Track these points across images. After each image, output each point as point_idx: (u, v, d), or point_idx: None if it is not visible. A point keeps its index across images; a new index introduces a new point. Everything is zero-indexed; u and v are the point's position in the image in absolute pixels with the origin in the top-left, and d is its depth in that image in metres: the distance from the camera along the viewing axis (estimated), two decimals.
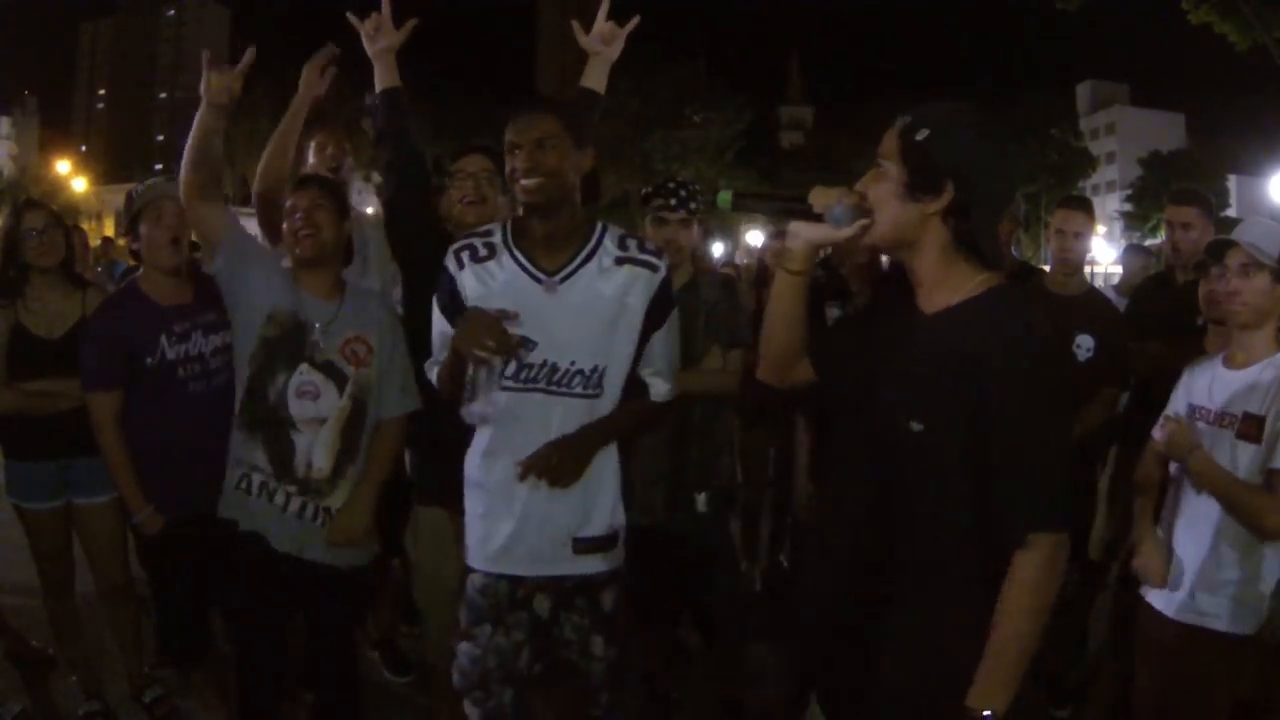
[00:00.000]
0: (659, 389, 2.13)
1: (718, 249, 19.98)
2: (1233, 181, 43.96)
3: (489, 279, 2.03)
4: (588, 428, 2.02)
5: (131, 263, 3.61)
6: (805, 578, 1.84)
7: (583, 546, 2.05)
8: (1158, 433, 2.32)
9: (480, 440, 2.08)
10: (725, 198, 1.75)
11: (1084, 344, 3.18)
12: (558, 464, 1.98)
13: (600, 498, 2.08)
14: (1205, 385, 2.33)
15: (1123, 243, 39.59)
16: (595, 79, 2.71)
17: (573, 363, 1.99)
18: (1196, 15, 15.49)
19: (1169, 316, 3.21)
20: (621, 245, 2.06)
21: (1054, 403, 1.49)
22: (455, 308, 2.05)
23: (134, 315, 2.73)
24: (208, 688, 2.95)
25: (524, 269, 2.02)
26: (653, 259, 2.07)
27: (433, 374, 2.15)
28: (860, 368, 1.64)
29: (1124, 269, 6.80)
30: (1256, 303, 2.22)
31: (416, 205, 2.64)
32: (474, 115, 34.35)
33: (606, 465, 2.09)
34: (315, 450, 2.41)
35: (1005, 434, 1.44)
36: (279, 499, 2.41)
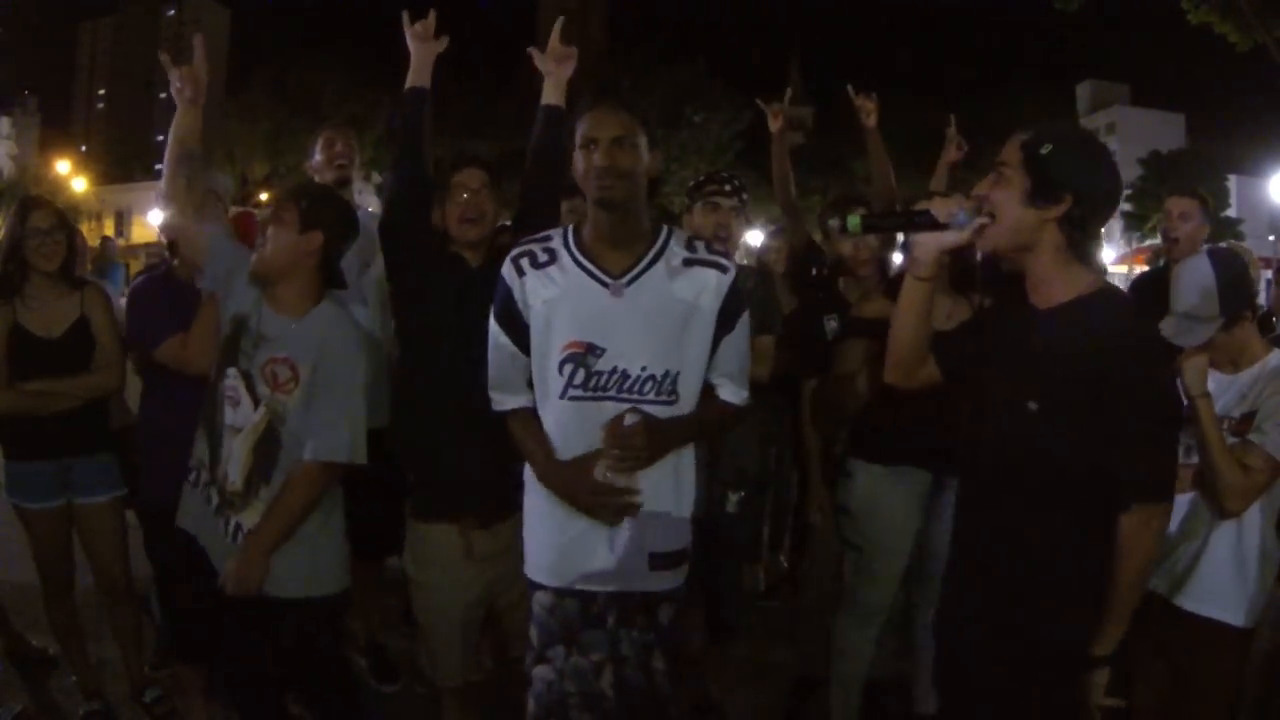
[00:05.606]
0: (729, 392, 2.07)
1: None
2: (1233, 181, 43.87)
3: (553, 284, 1.98)
4: (671, 419, 1.96)
5: (130, 261, 3.62)
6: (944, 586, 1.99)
7: (659, 562, 2.00)
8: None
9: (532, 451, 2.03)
10: (855, 220, 1.93)
11: None
12: (640, 440, 1.90)
13: (680, 511, 2.03)
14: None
15: (1122, 243, 39.59)
16: (555, 96, 2.63)
17: (644, 368, 1.93)
18: (1196, 15, 15.45)
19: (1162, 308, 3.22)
20: (689, 247, 2.02)
21: (1164, 388, 1.72)
22: (511, 319, 2.01)
23: (171, 296, 2.77)
24: (193, 686, 2.93)
25: (588, 272, 1.97)
26: (722, 260, 2.02)
27: (498, 402, 2.09)
28: (982, 361, 1.82)
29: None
30: (1235, 350, 2.35)
31: (415, 208, 2.56)
32: (475, 113, 34.32)
33: (687, 478, 2.04)
34: (231, 459, 2.34)
35: (1123, 418, 1.63)
36: (213, 500, 2.37)
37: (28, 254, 2.93)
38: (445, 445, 2.45)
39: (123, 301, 3.27)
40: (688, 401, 1.99)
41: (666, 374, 1.94)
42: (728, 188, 2.92)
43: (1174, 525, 2.35)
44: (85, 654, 3.20)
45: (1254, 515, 2.24)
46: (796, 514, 4.40)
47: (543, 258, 2.00)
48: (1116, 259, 32.75)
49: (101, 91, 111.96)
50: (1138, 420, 1.64)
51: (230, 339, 2.38)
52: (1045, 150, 1.68)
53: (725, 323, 2.00)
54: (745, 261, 4.58)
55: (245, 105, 42.48)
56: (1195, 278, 2.27)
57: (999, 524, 1.76)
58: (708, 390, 2.05)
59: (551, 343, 1.97)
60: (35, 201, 3.08)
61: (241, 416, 2.33)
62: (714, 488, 2.84)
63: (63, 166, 44.20)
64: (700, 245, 2.04)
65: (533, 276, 1.99)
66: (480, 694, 2.71)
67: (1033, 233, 1.72)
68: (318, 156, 3.34)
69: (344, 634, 2.97)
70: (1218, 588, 2.25)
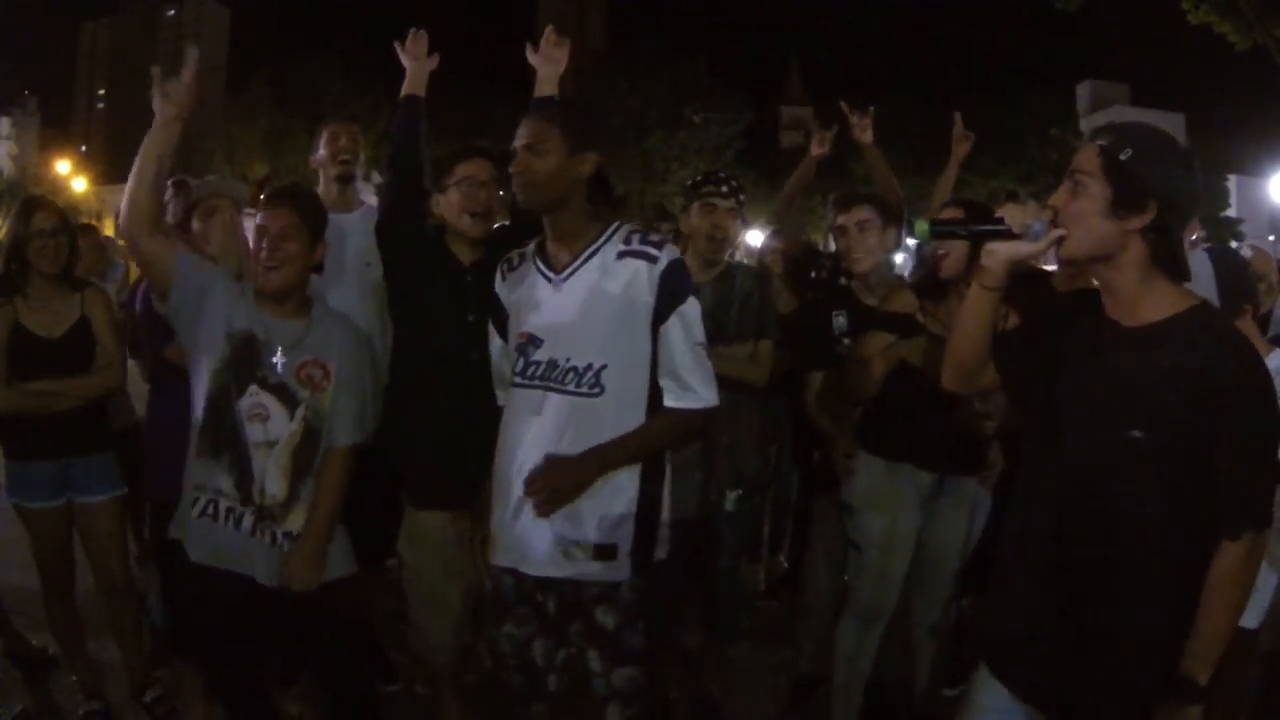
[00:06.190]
0: (674, 397, 2.03)
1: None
2: (1233, 181, 43.85)
3: (518, 284, 2.14)
4: (598, 447, 1.98)
5: (130, 261, 3.60)
6: (1002, 582, 1.88)
7: (571, 549, 2.01)
8: None
9: (500, 436, 2.14)
10: (923, 227, 1.87)
11: None
12: (556, 483, 1.97)
13: (602, 506, 2.01)
14: None
15: None
16: (548, 89, 2.71)
17: (568, 359, 2.00)
18: (1196, 15, 15.47)
19: None
20: (626, 240, 2.05)
21: (1274, 412, 1.61)
22: (498, 319, 2.20)
23: None
24: (193, 686, 2.92)
25: (539, 269, 2.10)
26: (652, 250, 2.02)
27: (499, 397, 2.23)
28: (1053, 376, 1.72)
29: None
30: None
31: (410, 212, 2.57)
32: (475, 114, 34.32)
33: (618, 479, 2.02)
34: (268, 475, 2.32)
35: (1231, 442, 1.55)
36: (246, 524, 2.32)
37: (30, 255, 2.92)
38: (437, 437, 2.49)
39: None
40: (615, 395, 1.99)
41: (590, 366, 1.99)
42: (724, 188, 2.90)
43: None
44: (85, 654, 3.20)
45: None
46: (796, 514, 4.40)
47: (516, 262, 2.19)
48: None
49: (101, 91, 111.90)
50: (1248, 447, 1.57)
51: (236, 359, 2.31)
52: (1126, 156, 1.60)
53: (660, 313, 2.01)
54: (745, 261, 4.57)
55: (245, 105, 42.41)
56: (1196, 273, 2.28)
57: (1099, 555, 1.67)
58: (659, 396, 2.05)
59: (514, 336, 2.13)
60: (38, 203, 3.06)
61: (275, 429, 2.32)
62: (712, 487, 2.84)
63: (63, 166, 44.18)
64: (636, 237, 2.05)
65: (508, 279, 2.18)
66: (479, 693, 2.72)
67: (1115, 245, 1.63)
68: (321, 151, 3.30)
69: (365, 622, 2.91)
70: None
